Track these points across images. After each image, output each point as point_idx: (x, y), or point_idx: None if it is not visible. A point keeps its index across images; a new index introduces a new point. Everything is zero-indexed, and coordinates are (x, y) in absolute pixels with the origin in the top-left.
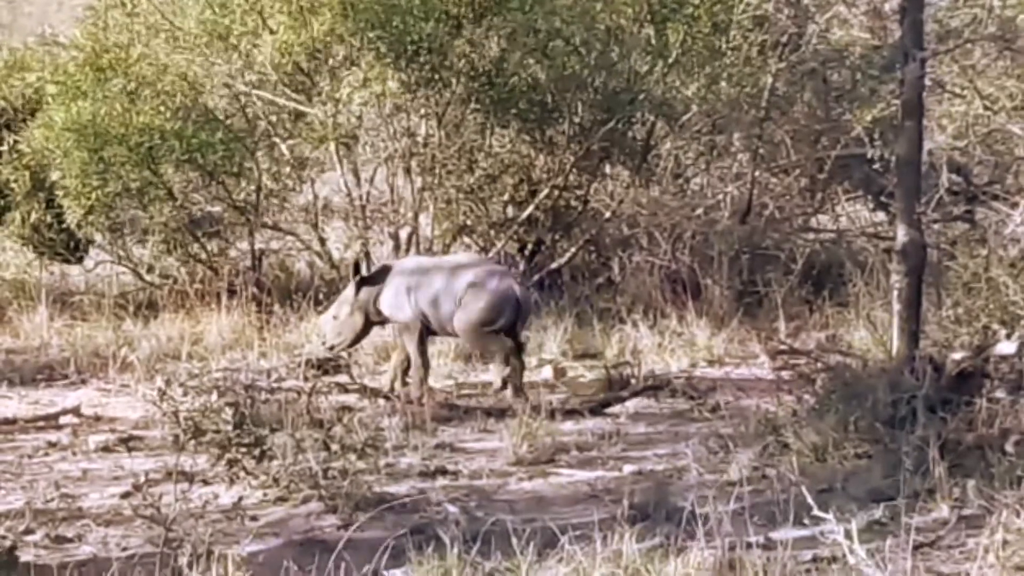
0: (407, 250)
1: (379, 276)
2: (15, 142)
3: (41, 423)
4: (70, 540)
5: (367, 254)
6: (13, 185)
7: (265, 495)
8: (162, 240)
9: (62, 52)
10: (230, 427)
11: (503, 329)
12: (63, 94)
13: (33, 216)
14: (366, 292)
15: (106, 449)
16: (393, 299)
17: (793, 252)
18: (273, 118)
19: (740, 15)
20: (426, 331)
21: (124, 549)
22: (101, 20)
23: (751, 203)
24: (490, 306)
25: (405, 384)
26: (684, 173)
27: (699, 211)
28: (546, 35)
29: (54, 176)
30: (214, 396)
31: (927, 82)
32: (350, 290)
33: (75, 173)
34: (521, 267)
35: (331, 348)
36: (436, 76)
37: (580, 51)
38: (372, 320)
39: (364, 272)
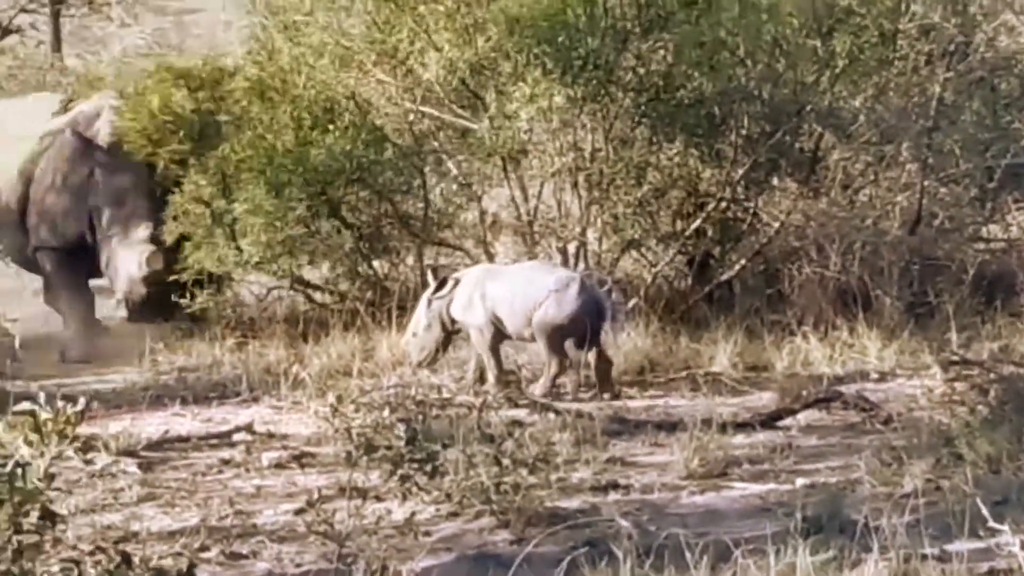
0: (575, 265)
1: (449, 286)
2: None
3: (214, 441)
4: (245, 557)
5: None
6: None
7: (438, 510)
8: (333, 259)
9: (229, 81)
10: (402, 443)
11: (586, 335)
12: (234, 120)
13: None
14: (438, 303)
15: (279, 466)
16: (465, 303)
17: (964, 262)
18: (440, 135)
19: (907, 24)
20: (499, 335)
21: (298, 565)
22: (268, 43)
23: (921, 213)
24: (574, 312)
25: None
26: (852, 184)
27: (868, 222)
28: (712, 47)
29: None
30: (386, 412)
31: None
32: (422, 305)
33: (250, 199)
34: (599, 274)
35: (419, 365)
36: (603, 90)
37: (746, 63)
38: (449, 329)
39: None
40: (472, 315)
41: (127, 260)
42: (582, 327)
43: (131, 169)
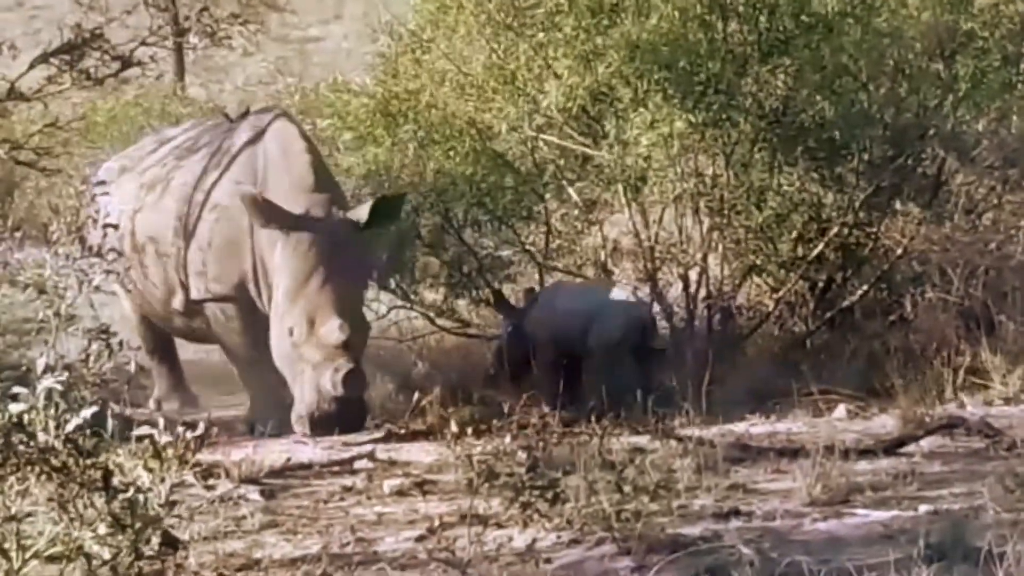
0: (696, 290)
1: (527, 303)
2: None
3: (336, 468)
4: None
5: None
6: None
7: (559, 537)
8: (453, 283)
9: (352, 99)
10: (523, 470)
11: (633, 351)
12: (356, 140)
13: None
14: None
15: (400, 493)
16: (534, 321)
17: None
18: (561, 161)
19: None
20: (560, 353)
21: None
22: (391, 67)
23: None
24: (621, 332)
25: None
26: (976, 208)
27: (992, 246)
28: (833, 72)
29: None
30: (507, 439)
31: None
32: (504, 321)
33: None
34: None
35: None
36: (724, 116)
37: (868, 87)
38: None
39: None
40: (537, 332)
41: (317, 373)
42: (629, 346)
43: (328, 227)
